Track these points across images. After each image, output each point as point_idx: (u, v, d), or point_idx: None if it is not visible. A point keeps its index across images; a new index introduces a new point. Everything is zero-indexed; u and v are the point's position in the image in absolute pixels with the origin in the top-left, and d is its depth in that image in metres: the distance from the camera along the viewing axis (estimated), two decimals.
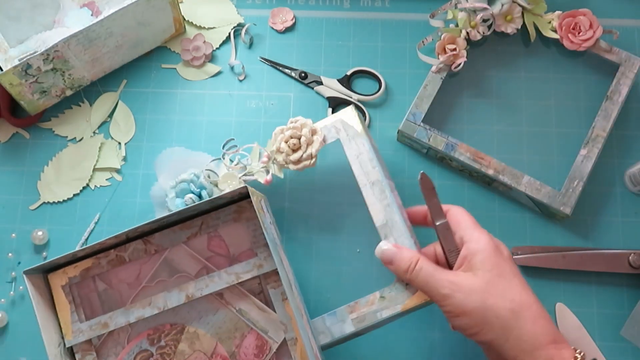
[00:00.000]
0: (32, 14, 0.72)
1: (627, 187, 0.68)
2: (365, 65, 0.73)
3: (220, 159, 0.65)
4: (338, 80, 0.72)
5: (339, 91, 0.72)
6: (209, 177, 0.64)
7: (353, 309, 0.56)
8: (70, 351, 0.57)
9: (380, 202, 0.57)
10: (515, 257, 0.65)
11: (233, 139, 0.64)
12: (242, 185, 0.58)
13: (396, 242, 0.56)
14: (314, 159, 0.61)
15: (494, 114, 0.71)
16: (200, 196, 0.63)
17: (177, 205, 0.63)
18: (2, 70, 0.64)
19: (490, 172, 0.65)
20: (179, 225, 0.58)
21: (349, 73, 0.72)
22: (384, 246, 0.55)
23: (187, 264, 0.57)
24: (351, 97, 0.71)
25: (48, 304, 0.56)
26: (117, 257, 0.57)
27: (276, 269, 0.55)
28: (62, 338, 0.56)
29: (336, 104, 0.72)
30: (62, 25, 0.72)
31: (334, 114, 0.62)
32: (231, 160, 0.65)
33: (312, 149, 0.61)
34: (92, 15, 0.72)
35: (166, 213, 0.56)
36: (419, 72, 0.72)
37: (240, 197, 0.57)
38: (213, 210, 0.58)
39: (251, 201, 0.55)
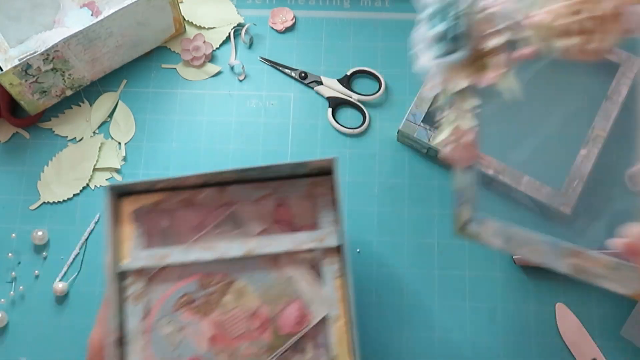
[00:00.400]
0: (32, 14, 0.72)
1: (627, 187, 0.68)
2: (365, 65, 0.73)
3: None
4: (338, 80, 0.72)
5: (339, 91, 0.72)
6: (475, 12, 0.48)
7: (575, 256, 0.48)
8: (122, 277, 0.57)
9: None
10: (516, 257, 0.65)
11: None
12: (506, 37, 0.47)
13: None
14: (607, 50, 0.43)
15: (494, 114, 0.71)
16: (456, 28, 0.48)
17: (434, 27, 0.49)
18: (2, 70, 0.64)
19: (490, 172, 0.65)
20: (256, 183, 0.58)
21: (349, 73, 0.72)
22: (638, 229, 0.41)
23: (251, 222, 0.58)
24: (351, 97, 0.71)
25: (114, 224, 0.57)
26: (189, 198, 0.58)
27: (334, 247, 0.55)
28: (118, 262, 0.57)
29: (336, 104, 0.72)
30: (62, 25, 0.72)
31: None
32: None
33: (609, 40, 0.42)
34: (92, 15, 0.72)
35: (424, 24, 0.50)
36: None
37: (319, 173, 0.58)
38: (291, 178, 0.58)
39: (328, 179, 0.57)
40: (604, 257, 0.47)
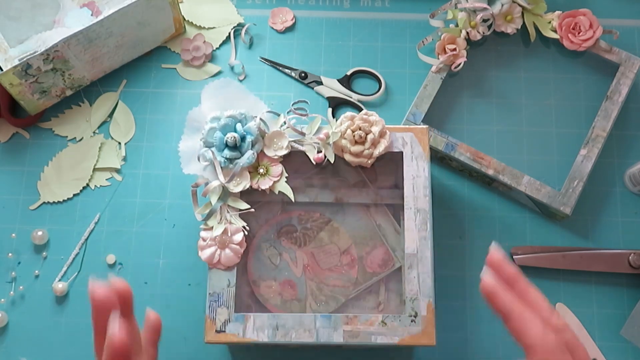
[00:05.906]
0: (32, 14, 0.72)
1: (627, 187, 0.68)
2: (365, 65, 0.73)
3: (276, 113, 0.61)
4: (338, 80, 0.72)
5: (339, 91, 0.72)
6: (260, 125, 0.60)
7: (349, 322, 0.56)
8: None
9: (418, 232, 0.58)
10: (515, 257, 0.65)
11: (306, 102, 0.61)
12: (287, 149, 0.60)
13: (418, 277, 0.56)
14: (371, 160, 0.59)
15: (494, 114, 0.71)
16: (243, 139, 0.59)
17: (214, 137, 0.59)
18: (2, 70, 0.64)
19: (490, 172, 0.65)
20: None
21: (349, 73, 0.72)
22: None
23: (349, 173, 0.64)
24: (351, 97, 0.71)
25: None
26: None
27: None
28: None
29: (336, 104, 0.72)
30: (62, 25, 0.72)
31: (406, 126, 0.60)
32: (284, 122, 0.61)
33: (376, 151, 0.59)
34: (92, 15, 0.72)
35: (197, 140, 0.59)
36: (419, 72, 0.72)
37: None
38: None
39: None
40: (372, 316, 0.55)
